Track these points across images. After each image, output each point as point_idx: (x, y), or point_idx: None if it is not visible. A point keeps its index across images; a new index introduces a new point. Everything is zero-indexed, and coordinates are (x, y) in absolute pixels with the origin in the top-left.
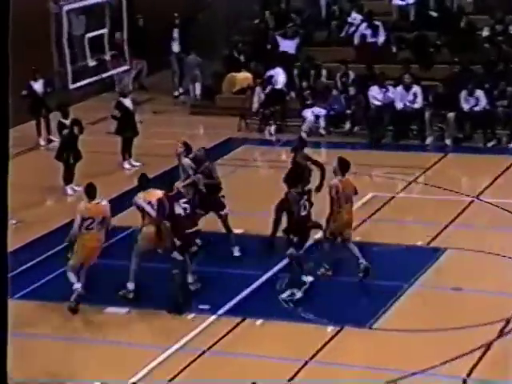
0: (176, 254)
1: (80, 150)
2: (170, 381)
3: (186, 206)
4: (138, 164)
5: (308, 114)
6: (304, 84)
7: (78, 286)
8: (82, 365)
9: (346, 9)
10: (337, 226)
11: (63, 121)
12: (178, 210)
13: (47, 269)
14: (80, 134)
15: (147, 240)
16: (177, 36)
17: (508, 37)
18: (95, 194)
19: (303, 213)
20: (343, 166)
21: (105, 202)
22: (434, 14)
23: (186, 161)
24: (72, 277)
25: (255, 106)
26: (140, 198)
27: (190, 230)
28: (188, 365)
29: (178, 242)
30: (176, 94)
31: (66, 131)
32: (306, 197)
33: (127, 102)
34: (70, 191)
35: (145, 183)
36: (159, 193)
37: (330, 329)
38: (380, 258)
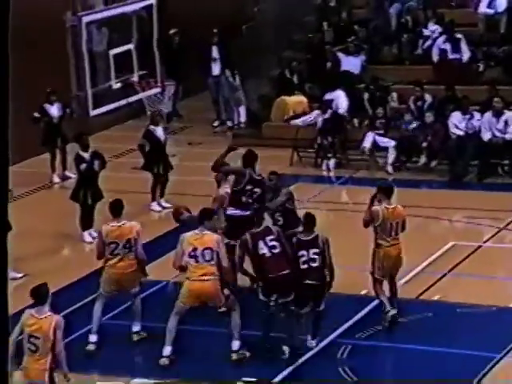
0: (262, 297)
1: (100, 189)
2: None
3: (275, 243)
4: (169, 205)
5: (367, 142)
6: (379, 111)
7: (93, 338)
8: None
9: (421, 19)
10: (385, 263)
11: (82, 153)
12: (263, 249)
13: None
14: (101, 169)
15: (193, 297)
16: (217, 56)
17: None
18: (120, 213)
19: (302, 266)
20: (386, 192)
21: (131, 223)
22: None
23: (223, 191)
24: (97, 312)
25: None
26: (184, 241)
27: (281, 273)
28: None
29: (260, 284)
30: (215, 124)
31: (84, 166)
32: (315, 250)
33: (159, 132)
34: (88, 238)
35: (206, 219)
36: (214, 239)
37: None
38: (465, 321)
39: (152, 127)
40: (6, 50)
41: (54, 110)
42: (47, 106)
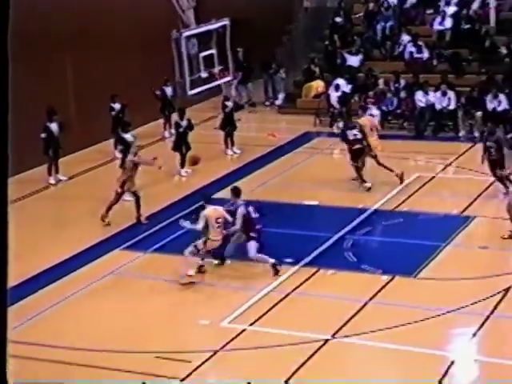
0: None
1: (189, 142)
2: (266, 312)
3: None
4: (238, 151)
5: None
6: (371, 94)
7: None
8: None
9: (396, 32)
10: None
11: (179, 121)
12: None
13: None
14: (190, 130)
15: None
16: (273, 65)
17: None
18: None
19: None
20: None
21: None
22: (466, 35)
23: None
24: None
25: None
26: None
27: None
28: (277, 302)
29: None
30: (267, 103)
31: (182, 128)
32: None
33: (229, 104)
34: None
35: None
36: None
37: (385, 277)
38: (423, 223)
39: (225, 102)
40: (5, 49)
41: (169, 91)
42: (165, 87)
